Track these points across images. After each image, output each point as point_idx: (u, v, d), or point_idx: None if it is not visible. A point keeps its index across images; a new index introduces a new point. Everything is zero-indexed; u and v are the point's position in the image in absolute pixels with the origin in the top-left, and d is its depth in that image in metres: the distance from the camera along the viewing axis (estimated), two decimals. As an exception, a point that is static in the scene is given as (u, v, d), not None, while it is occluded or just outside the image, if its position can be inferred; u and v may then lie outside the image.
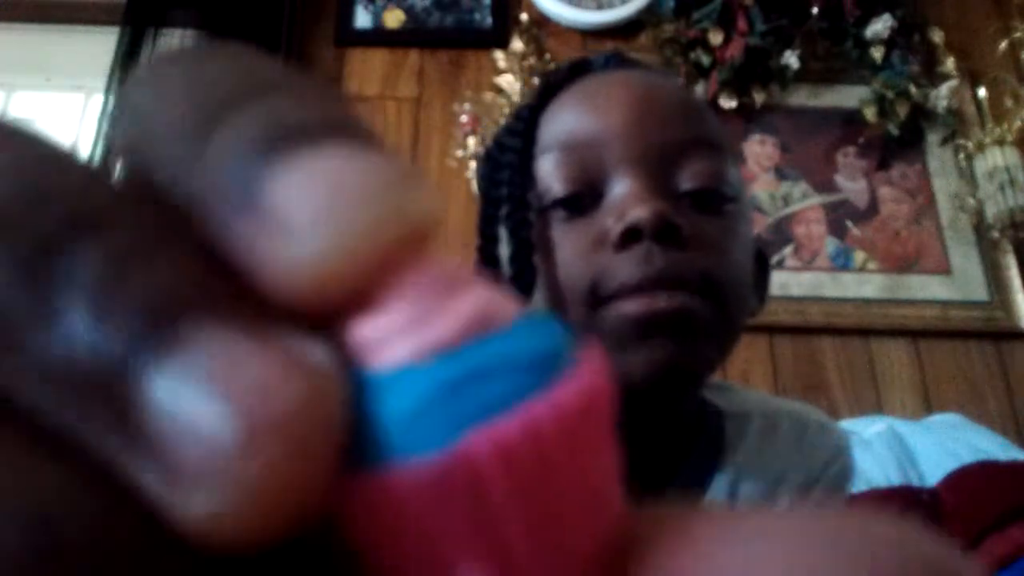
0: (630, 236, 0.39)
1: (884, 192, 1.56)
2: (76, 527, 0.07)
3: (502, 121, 1.51)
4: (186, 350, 0.07)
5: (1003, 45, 1.64)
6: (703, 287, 0.40)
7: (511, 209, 0.44)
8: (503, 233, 0.45)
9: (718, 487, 0.44)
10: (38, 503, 0.07)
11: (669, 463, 0.44)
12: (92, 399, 0.07)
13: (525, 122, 0.47)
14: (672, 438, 0.44)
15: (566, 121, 0.45)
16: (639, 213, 0.39)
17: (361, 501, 0.08)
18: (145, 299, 0.07)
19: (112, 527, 0.07)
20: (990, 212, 1.47)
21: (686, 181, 0.42)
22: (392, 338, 0.08)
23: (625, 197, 0.40)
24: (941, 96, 1.56)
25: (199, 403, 0.07)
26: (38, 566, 0.07)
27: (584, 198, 0.42)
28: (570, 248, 0.41)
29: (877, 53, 1.58)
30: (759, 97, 1.57)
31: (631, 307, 0.38)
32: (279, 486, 0.07)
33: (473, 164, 1.41)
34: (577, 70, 0.49)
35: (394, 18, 1.64)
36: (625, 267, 0.39)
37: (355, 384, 0.08)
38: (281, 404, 0.07)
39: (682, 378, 0.40)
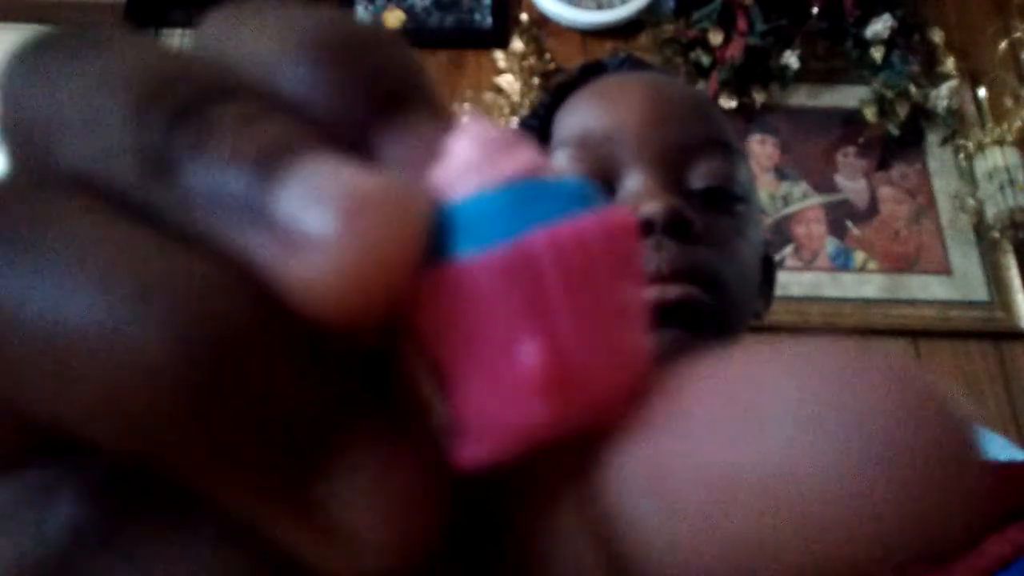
0: (642, 229, 0.39)
1: (884, 192, 1.56)
2: (222, 313, 0.09)
3: (502, 121, 1.51)
4: (304, 166, 0.09)
5: (1003, 45, 1.64)
6: (710, 282, 0.41)
7: None
8: None
9: None
10: (187, 287, 0.09)
11: None
12: (233, 211, 0.09)
13: (540, 119, 0.47)
14: None
15: (580, 118, 0.46)
16: (651, 207, 0.40)
17: (436, 289, 0.09)
18: (272, 136, 0.09)
19: (248, 315, 0.09)
20: (990, 212, 1.47)
21: (697, 180, 0.43)
22: (463, 175, 0.10)
23: (638, 192, 0.41)
24: (941, 96, 1.56)
25: (315, 200, 0.09)
26: (203, 348, 0.09)
27: None
28: None
29: (877, 53, 1.58)
30: (759, 97, 1.57)
31: None
32: (375, 259, 0.09)
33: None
34: (591, 71, 0.50)
35: (394, 18, 1.64)
36: None
37: (435, 206, 0.10)
38: (377, 195, 0.09)
39: None
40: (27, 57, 0.10)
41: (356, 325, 0.09)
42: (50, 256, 0.09)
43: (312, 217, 0.09)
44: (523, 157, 0.10)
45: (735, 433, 0.09)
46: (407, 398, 0.10)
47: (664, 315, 0.40)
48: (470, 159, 0.10)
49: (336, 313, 0.09)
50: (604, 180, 0.43)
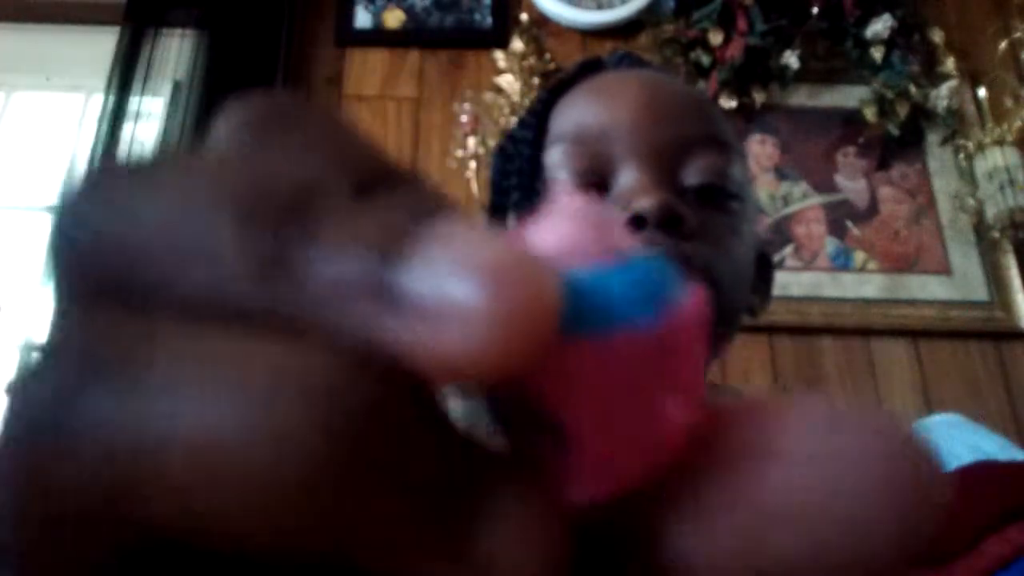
0: (635, 224, 0.39)
1: (884, 192, 1.56)
2: (356, 397, 0.09)
3: (502, 121, 1.51)
4: (430, 242, 0.10)
5: (1003, 45, 1.64)
6: (703, 278, 0.40)
7: (520, 197, 0.45)
8: (512, 222, 0.47)
9: None
10: (321, 378, 0.09)
11: None
12: (357, 299, 0.10)
13: (537, 115, 0.47)
14: None
15: (576, 114, 0.45)
16: (645, 202, 0.39)
17: (581, 360, 0.11)
18: (383, 219, 0.10)
19: (381, 393, 0.10)
20: (990, 212, 1.47)
21: (692, 176, 0.43)
22: (571, 252, 0.11)
23: (631, 187, 0.41)
24: (941, 96, 1.56)
25: (454, 273, 0.09)
26: (330, 436, 0.09)
27: (590, 188, 0.43)
28: None
29: (877, 53, 1.58)
30: (759, 97, 1.57)
31: None
32: (520, 328, 0.09)
33: (473, 164, 1.41)
34: (589, 67, 0.49)
35: (394, 18, 1.64)
36: None
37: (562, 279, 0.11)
38: (515, 265, 0.10)
39: None
40: (97, 188, 0.11)
41: (487, 391, 0.11)
42: (184, 378, 0.09)
43: (454, 289, 0.09)
44: (620, 237, 0.12)
45: (771, 475, 0.12)
46: (526, 450, 0.12)
47: None
48: (575, 237, 0.12)
49: (473, 379, 0.10)
50: (599, 176, 0.43)
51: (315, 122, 0.11)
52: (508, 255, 0.10)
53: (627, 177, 0.42)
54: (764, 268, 0.50)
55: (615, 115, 0.43)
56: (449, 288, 0.09)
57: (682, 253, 0.40)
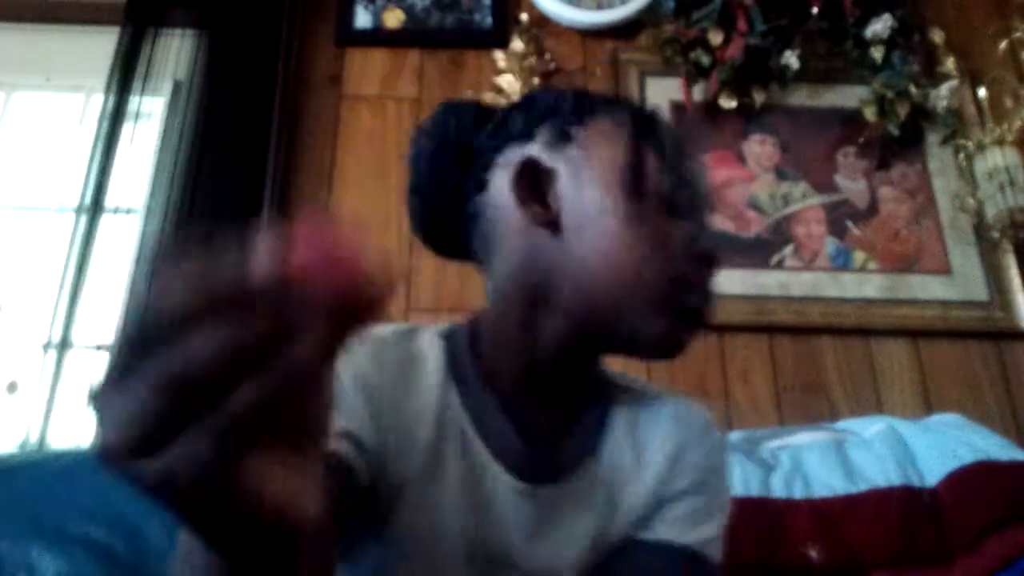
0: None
1: (884, 192, 1.56)
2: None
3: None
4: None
5: (1003, 45, 1.64)
6: None
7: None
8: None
9: (612, 424, 0.57)
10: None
11: (576, 406, 0.57)
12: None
13: None
14: (580, 390, 0.58)
15: None
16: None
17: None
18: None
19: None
20: (990, 212, 1.47)
21: None
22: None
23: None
24: (941, 96, 1.56)
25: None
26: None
27: None
28: None
29: (877, 53, 1.58)
30: (759, 97, 1.57)
31: None
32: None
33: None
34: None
35: (394, 18, 1.64)
36: None
37: None
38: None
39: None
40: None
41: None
42: None
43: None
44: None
45: None
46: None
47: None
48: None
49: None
50: None
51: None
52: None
53: None
54: None
55: None
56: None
57: None
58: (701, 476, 0.56)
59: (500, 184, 0.55)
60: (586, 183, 0.52)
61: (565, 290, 0.52)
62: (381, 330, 0.54)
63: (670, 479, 0.56)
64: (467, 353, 0.54)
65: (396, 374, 0.51)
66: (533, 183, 0.53)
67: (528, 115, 0.56)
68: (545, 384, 0.54)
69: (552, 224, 0.52)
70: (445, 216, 0.58)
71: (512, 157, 0.54)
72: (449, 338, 0.55)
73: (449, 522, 0.50)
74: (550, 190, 0.53)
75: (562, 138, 0.54)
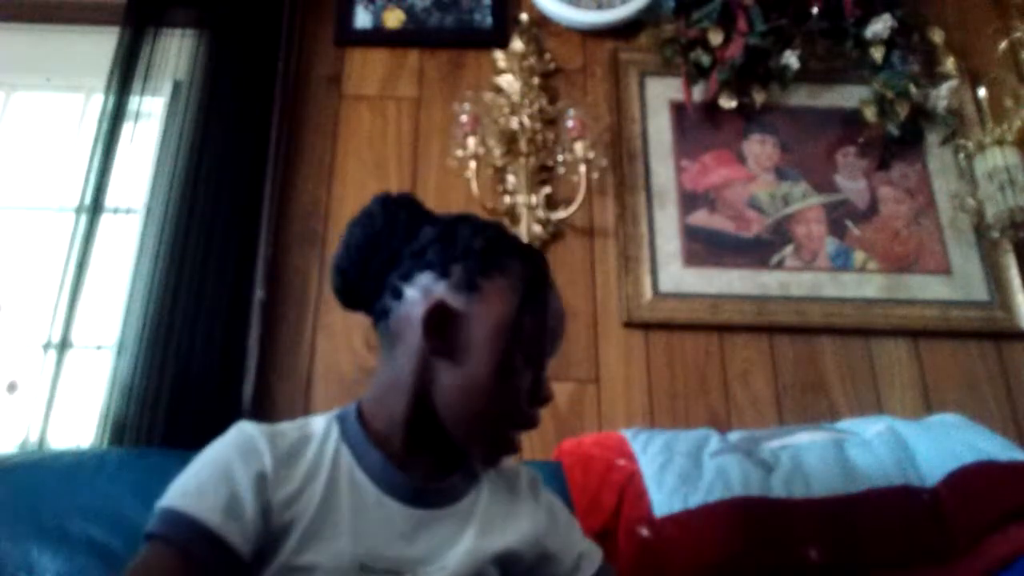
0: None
1: (884, 192, 1.56)
2: None
3: (502, 121, 1.51)
4: None
5: (1003, 45, 1.64)
6: None
7: None
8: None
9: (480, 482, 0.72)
10: None
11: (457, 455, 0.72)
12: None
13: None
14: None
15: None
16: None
17: None
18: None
19: None
20: (990, 212, 1.47)
21: None
22: None
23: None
24: (941, 96, 1.56)
25: None
26: None
27: None
28: None
29: (877, 53, 1.58)
30: (759, 97, 1.57)
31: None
32: None
33: (473, 164, 1.41)
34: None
35: (394, 18, 1.64)
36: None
37: None
38: None
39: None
40: None
41: None
42: None
43: None
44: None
45: None
46: None
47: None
48: None
49: None
50: None
51: None
52: None
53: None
54: None
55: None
56: None
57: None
58: (565, 516, 0.77)
59: (413, 303, 0.67)
60: (478, 333, 0.66)
61: (438, 402, 0.67)
62: (282, 424, 0.67)
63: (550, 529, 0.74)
64: (356, 424, 0.68)
65: (287, 451, 0.64)
66: (440, 323, 0.65)
67: (446, 251, 0.68)
68: (423, 447, 0.68)
69: (447, 355, 0.66)
70: (360, 297, 0.72)
71: (427, 284, 0.67)
72: (343, 417, 0.69)
73: (344, 544, 0.62)
74: (451, 330, 0.66)
75: (469, 287, 0.67)
